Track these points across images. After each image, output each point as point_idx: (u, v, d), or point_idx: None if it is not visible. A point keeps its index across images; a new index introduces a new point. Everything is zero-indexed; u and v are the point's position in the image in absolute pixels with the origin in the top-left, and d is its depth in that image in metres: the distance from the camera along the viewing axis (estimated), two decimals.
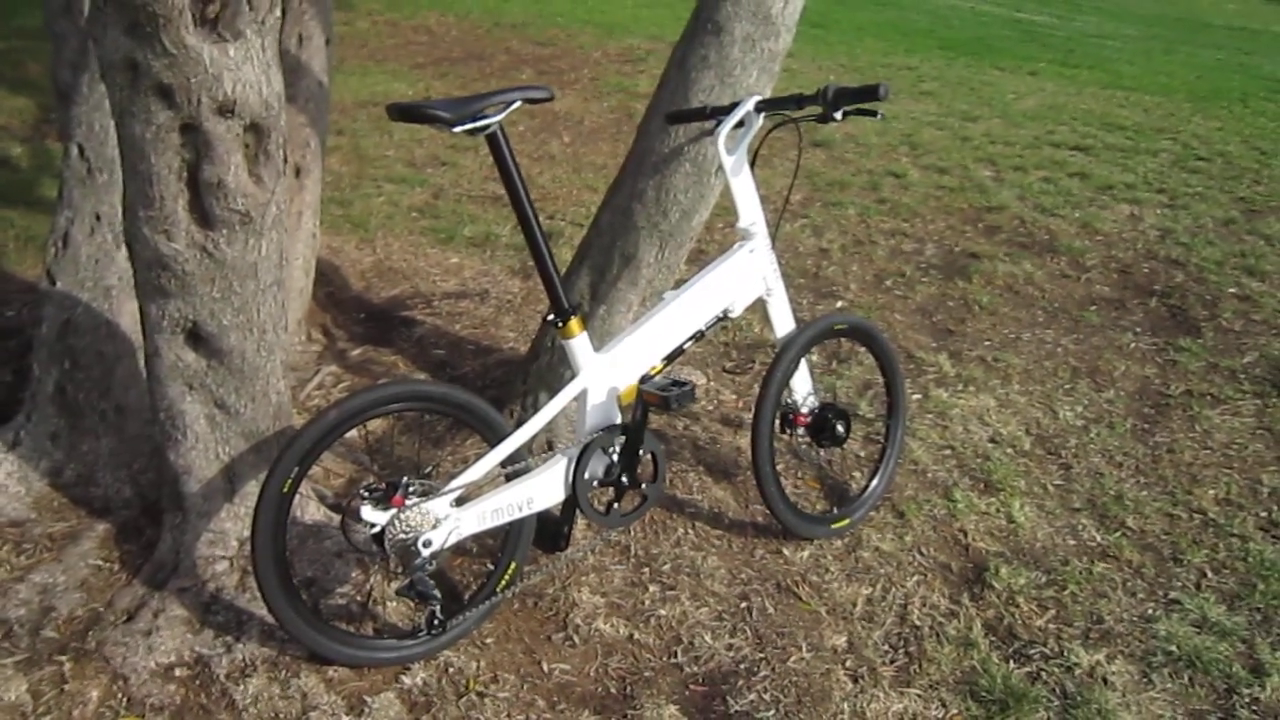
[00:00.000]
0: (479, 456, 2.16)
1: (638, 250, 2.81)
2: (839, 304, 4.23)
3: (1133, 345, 3.99)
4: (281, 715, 1.99)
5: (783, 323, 2.65)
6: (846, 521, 2.75)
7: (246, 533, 2.26)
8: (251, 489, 2.24)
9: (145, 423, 2.49)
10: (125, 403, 2.50)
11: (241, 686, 2.03)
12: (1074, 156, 6.32)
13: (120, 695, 1.99)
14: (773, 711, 2.16)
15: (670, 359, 2.41)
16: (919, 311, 4.22)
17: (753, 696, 2.20)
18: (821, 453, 2.85)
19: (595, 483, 2.28)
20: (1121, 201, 5.50)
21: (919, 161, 6.12)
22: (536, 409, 3.07)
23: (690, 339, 2.44)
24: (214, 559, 2.22)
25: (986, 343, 3.97)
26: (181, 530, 2.23)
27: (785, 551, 2.68)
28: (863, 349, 3.02)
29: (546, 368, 3.03)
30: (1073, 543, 2.79)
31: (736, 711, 2.16)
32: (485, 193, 5.33)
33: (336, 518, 2.43)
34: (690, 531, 2.73)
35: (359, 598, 2.31)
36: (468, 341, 3.66)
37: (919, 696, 2.25)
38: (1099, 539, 2.80)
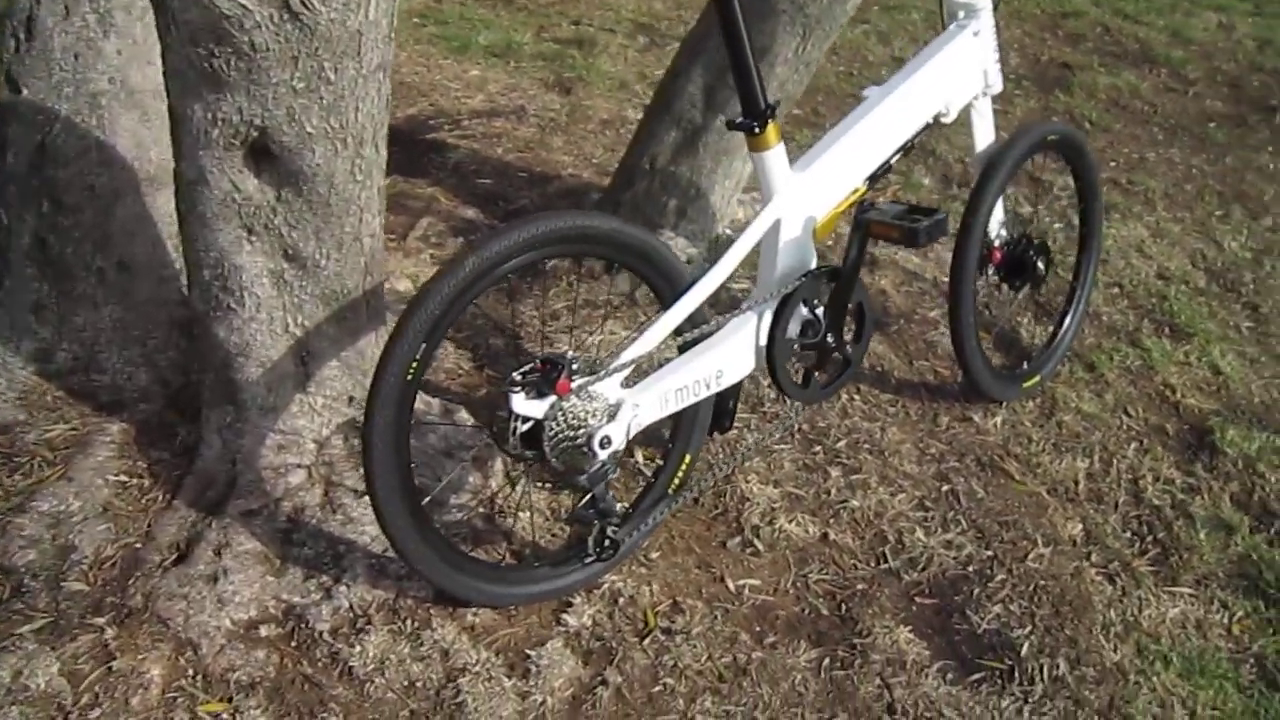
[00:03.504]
0: (649, 321, 1.56)
1: (774, 40, 2.18)
2: None
3: (1272, 166, 3.52)
4: (420, 684, 1.44)
5: (986, 132, 2.06)
6: (1036, 379, 2.24)
7: (325, 431, 1.66)
8: (333, 373, 1.62)
9: (160, 282, 1.81)
10: (131, 256, 1.79)
11: (357, 647, 1.46)
12: None
13: (192, 672, 1.39)
14: (1028, 629, 1.69)
15: (874, 179, 1.80)
16: None
17: (997, 609, 1.72)
18: (1015, 295, 2.30)
19: (795, 345, 1.71)
20: (1206, 9, 4.93)
21: None
22: None
23: (898, 152, 1.83)
24: (286, 469, 1.61)
25: (1112, 164, 3.43)
26: (236, 432, 1.61)
27: (974, 418, 2.17)
28: (1063, 165, 2.40)
29: (644, 197, 2.41)
30: None
31: (986, 630, 1.68)
32: None
33: (438, 404, 1.83)
34: (856, 397, 2.19)
35: (481, 509, 1.74)
36: (515, 167, 2.97)
37: (1192, 597, 1.82)
38: None
